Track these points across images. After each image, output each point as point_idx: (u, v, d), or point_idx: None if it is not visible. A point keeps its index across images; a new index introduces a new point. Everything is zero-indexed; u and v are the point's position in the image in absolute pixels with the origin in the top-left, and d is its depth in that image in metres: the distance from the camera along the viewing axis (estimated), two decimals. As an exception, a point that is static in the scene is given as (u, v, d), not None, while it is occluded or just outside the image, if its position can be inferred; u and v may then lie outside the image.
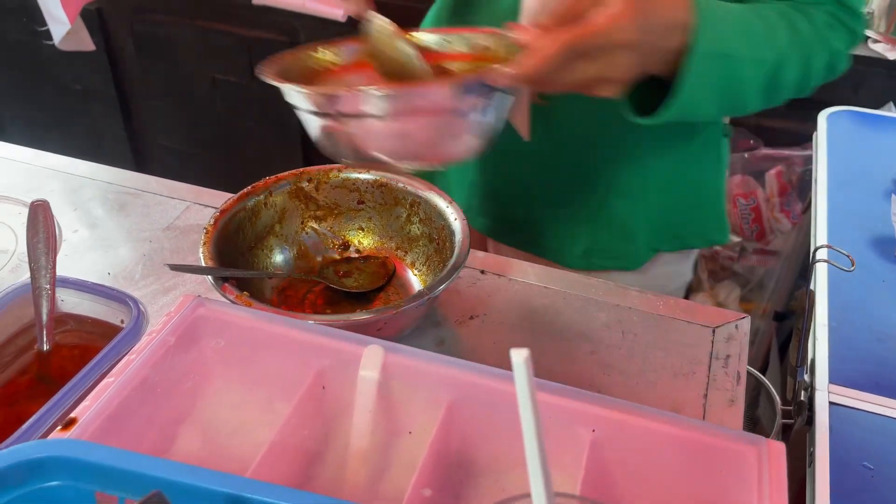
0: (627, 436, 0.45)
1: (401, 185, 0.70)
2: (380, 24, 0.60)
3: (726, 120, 0.86)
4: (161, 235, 0.76)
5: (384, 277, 0.70)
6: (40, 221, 0.56)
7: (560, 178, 0.80)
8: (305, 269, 0.71)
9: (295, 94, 0.53)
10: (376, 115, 0.50)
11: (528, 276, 0.71)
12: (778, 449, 0.43)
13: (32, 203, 0.56)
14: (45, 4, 1.89)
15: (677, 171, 0.81)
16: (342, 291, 0.68)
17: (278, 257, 0.70)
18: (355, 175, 0.72)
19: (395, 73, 0.61)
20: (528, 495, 0.30)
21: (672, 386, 0.59)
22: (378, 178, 0.71)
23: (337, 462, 0.50)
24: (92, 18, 2.01)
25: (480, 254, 0.73)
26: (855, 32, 0.68)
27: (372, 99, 0.50)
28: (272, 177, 0.70)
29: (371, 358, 0.49)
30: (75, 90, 2.15)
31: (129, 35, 2.03)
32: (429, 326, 0.65)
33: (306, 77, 0.61)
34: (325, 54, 0.63)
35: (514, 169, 0.81)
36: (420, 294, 0.57)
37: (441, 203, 0.68)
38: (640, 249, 0.81)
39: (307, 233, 0.72)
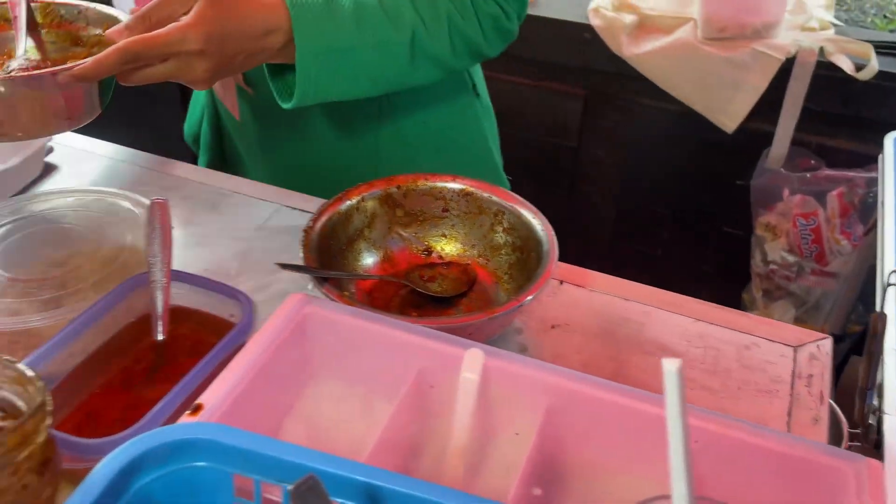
0: (725, 448, 0.46)
1: (486, 194, 0.73)
2: None
3: (475, 83, 0.95)
4: (253, 235, 0.79)
5: (466, 284, 0.72)
6: (157, 218, 0.59)
7: (330, 152, 0.90)
8: (391, 272, 0.73)
9: None
10: None
11: (607, 288, 0.72)
12: (877, 468, 0.44)
13: (153, 201, 0.59)
14: (120, 6, 1.96)
15: (434, 133, 0.93)
16: (426, 295, 0.70)
17: (367, 260, 0.73)
18: (441, 184, 0.74)
19: None
20: (665, 497, 0.32)
21: (755, 403, 0.60)
22: (464, 187, 0.73)
23: (436, 458, 0.52)
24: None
25: (560, 265, 0.75)
26: None
27: None
28: (365, 183, 0.73)
29: (472, 360, 0.51)
30: (141, 91, 2.23)
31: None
32: (512, 333, 0.67)
33: None
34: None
35: (296, 150, 0.90)
36: (516, 300, 0.59)
37: (527, 213, 0.70)
38: None
39: (393, 238, 0.75)
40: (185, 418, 0.46)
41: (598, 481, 0.50)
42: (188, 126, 1.02)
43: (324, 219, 0.69)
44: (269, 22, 0.66)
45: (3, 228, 0.68)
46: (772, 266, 1.61)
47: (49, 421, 0.39)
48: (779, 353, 0.65)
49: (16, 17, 0.68)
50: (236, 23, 0.64)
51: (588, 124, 1.78)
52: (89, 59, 0.60)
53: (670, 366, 0.31)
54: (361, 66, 0.72)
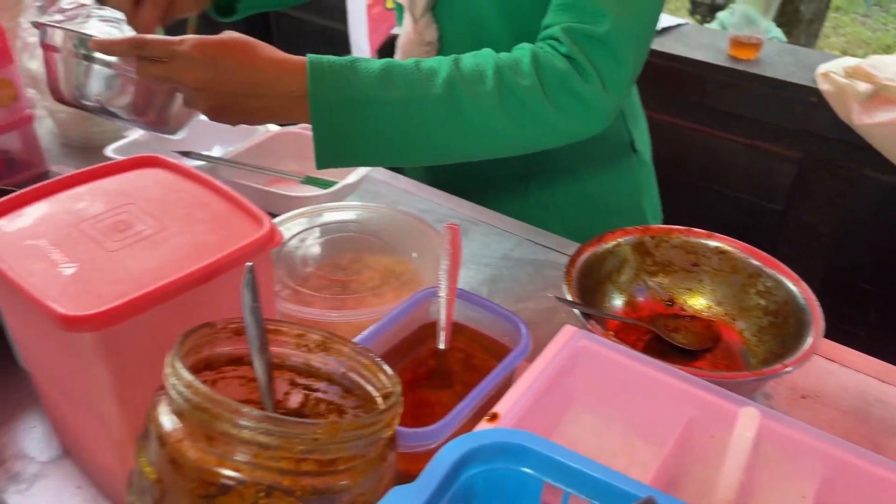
0: None
1: (742, 255, 0.74)
2: None
3: (634, 137, 0.96)
4: (500, 263, 0.85)
5: (710, 340, 0.73)
6: (449, 240, 0.66)
7: (482, 191, 0.96)
8: (632, 318, 0.76)
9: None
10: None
11: (860, 366, 0.71)
12: None
13: (447, 225, 0.67)
14: (355, 34, 2.16)
15: (586, 186, 0.94)
16: (669, 345, 0.73)
17: (613, 302, 0.76)
18: (696, 239, 0.76)
19: None
20: None
21: None
22: (720, 245, 0.75)
23: (697, 507, 0.54)
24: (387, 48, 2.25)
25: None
26: (596, 39, 0.67)
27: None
28: (621, 229, 0.77)
29: (748, 419, 0.53)
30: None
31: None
32: (759, 398, 0.68)
33: None
34: None
35: (451, 170, 0.92)
36: (781, 365, 0.60)
37: (786, 279, 0.70)
38: None
39: (639, 285, 0.78)
40: (484, 424, 0.52)
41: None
42: None
43: (583, 258, 0.73)
44: (284, 64, 0.66)
45: (317, 229, 0.78)
46: None
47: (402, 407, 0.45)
48: None
49: None
50: (245, 54, 0.65)
51: (799, 189, 1.71)
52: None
53: None
54: (387, 122, 0.66)
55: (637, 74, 0.73)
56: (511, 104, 0.67)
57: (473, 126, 0.68)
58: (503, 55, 0.69)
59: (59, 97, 0.76)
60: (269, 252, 0.53)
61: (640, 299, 0.77)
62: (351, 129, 0.66)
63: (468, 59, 0.69)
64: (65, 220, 0.52)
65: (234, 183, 0.89)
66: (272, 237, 0.52)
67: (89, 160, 1.04)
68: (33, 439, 0.62)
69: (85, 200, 0.55)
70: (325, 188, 0.86)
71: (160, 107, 0.77)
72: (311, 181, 0.88)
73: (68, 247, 0.50)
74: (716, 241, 0.75)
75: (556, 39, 0.69)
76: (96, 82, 0.74)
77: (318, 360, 0.49)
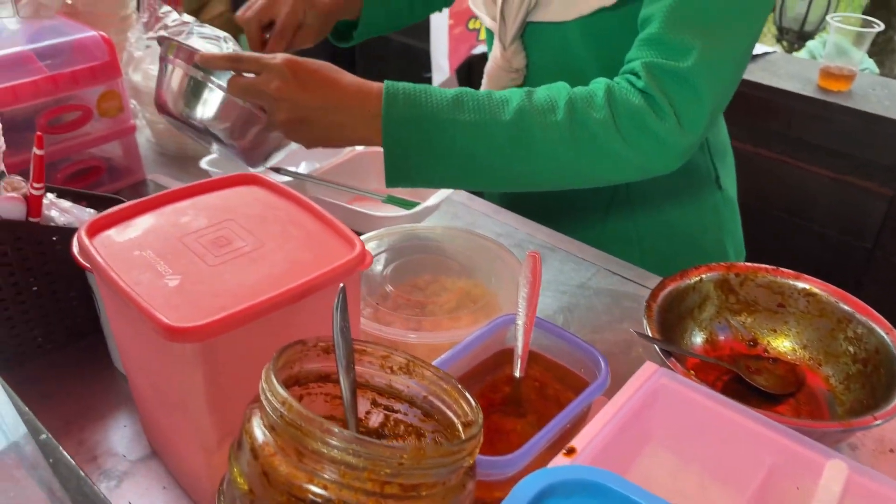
0: None
1: (832, 299, 0.72)
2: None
3: (718, 173, 0.94)
4: (576, 292, 0.85)
5: (794, 384, 0.71)
6: (530, 269, 0.67)
7: (562, 221, 0.97)
8: (712, 356, 0.75)
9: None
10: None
11: (957, 423, 0.67)
12: None
13: (529, 253, 0.67)
14: (436, 53, 2.20)
15: (668, 220, 0.92)
16: (750, 387, 0.71)
17: (693, 339, 0.75)
18: (783, 280, 0.74)
19: None
20: None
21: None
22: (808, 287, 0.73)
23: (776, 558, 0.53)
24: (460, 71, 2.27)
25: (898, 385, 0.71)
26: (676, 75, 0.66)
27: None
28: (705, 265, 0.75)
29: (835, 471, 0.51)
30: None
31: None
32: (844, 449, 0.65)
33: None
34: None
35: (529, 195, 0.96)
36: (871, 416, 0.58)
37: (878, 327, 0.68)
38: None
39: (720, 323, 0.76)
40: (562, 458, 0.52)
41: None
42: None
43: (664, 293, 0.72)
44: (363, 86, 0.69)
45: (397, 249, 0.80)
46: None
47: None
48: None
49: None
50: (329, 75, 0.69)
51: (890, 227, 1.64)
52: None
53: None
54: (455, 143, 0.67)
55: (719, 112, 0.72)
56: (582, 136, 0.67)
57: (542, 155, 0.68)
58: (578, 88, 0.69)
59: (165, 111, 0.81)
60: (358, 273, 0.55)
61: (722, 338, 0.76)
62: (420, 148, 0.68)
63: (541, 91, 0.69)
64: (170, 233, 0.55)
65: (319, 199, 0.92)
66: (363, 259, 0.54)
67: (184, 170, 1.09)
68: (124, 438, 0.66)
69: (188, 215, 0.58)
70: (406, 208, 0.88)
71: (255, 135, 0.80)
72: (392, 201, 0.90)
73: (173, 259, 0.53)
74: (804, 283, 0.73)
75: (634, 74, 0.69)
76: (202, 101, 0.78)
77: (400, 382, 0.50)
